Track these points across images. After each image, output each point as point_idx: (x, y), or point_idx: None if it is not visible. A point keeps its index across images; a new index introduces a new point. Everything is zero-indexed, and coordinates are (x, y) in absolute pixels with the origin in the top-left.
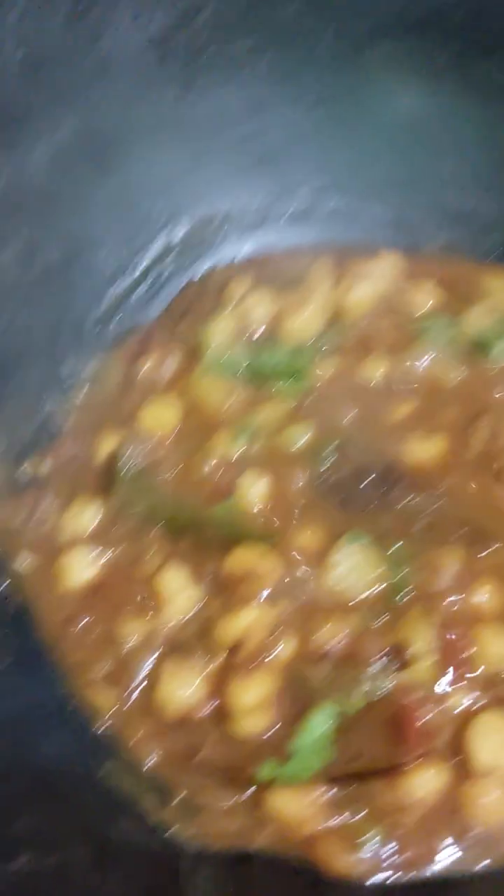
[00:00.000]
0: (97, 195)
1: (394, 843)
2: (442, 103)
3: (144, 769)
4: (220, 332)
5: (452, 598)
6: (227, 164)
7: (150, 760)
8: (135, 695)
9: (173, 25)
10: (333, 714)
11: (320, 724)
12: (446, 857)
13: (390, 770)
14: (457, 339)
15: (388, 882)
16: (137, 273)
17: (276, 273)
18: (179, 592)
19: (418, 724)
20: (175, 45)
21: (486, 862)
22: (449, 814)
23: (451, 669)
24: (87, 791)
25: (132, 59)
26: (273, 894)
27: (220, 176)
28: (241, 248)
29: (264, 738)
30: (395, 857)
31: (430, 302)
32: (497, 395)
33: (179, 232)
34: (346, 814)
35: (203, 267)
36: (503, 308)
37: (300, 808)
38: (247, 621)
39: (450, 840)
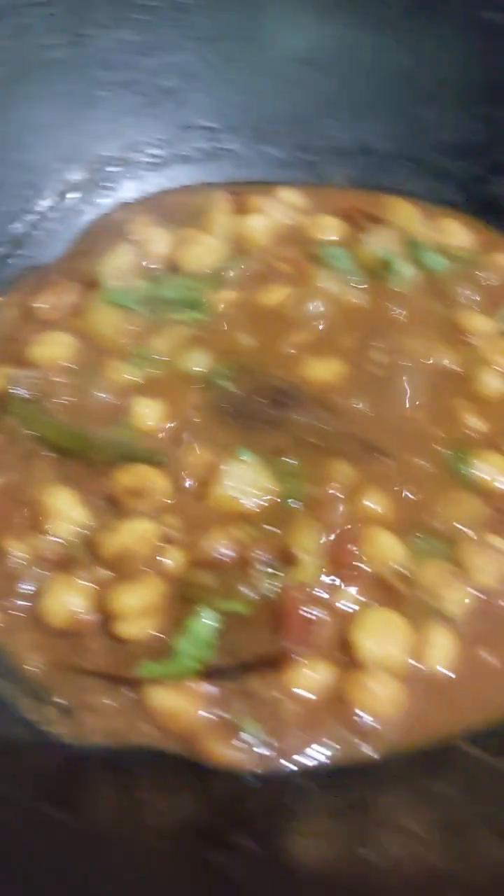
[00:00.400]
0: None
1: (271, 735)
2: (334, 39)
3: (26, 674)
4: (117, 267)
5: (340, 507)
6: (122, 106)
7: (34, 666)
8: (22, 607)
9: None
10: (217, 616)
11: (203, 625)
12: (328, 747)
13: (271, 663)
14: (357, 265)
15: (267, 770)
16: (36, 214)
17: (175, 210)
18: (66, 511)
19: (299, 615)
20: None
21: (369, 750)
22: (333, 706)
23: (336, 570)
24: None
25: (20, 4)
26: (156, 784)
27: (114, 117)
28: (140, 187)
29: (149, 641)
30: (275, 747)
31: (331, 232)
32: (393, 316)
33: (76, 173)
34: (226, 709)
35: (103, 207)
36: (402, 232)
37: (181, 703)
38: (131, 535)
39: (333, 731)
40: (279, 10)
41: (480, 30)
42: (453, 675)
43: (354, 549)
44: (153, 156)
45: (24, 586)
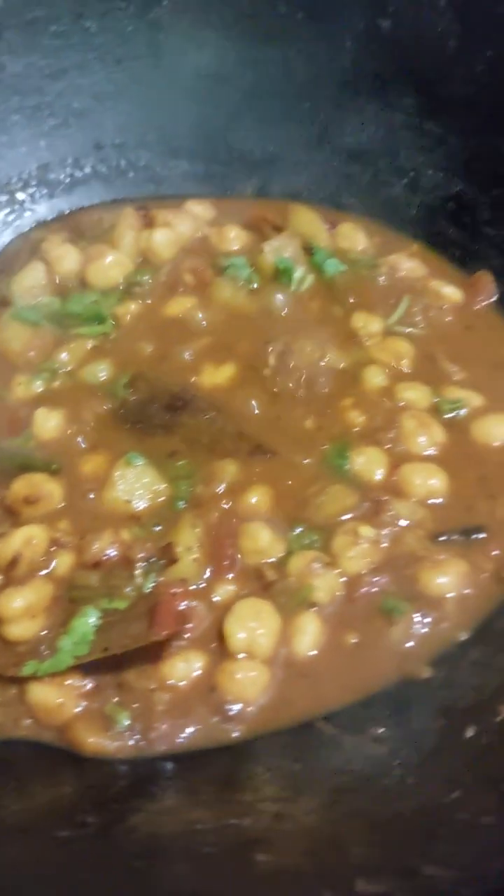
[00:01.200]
0: None
1: (143, 724)
2: (237, 54)
3: None
4: (27, 284)
5: (224, 504)
6: (35, 129)
7: None
8: None
9: None
10: (98, 614)
11: (83, 623)
12: (197, 732)
13: (147, 656)
14: (258, 273)
15: (136, 757)
16: None
17: (87, 227)
18: None
19: (172, 606)
20: None
21: (236, 733)
22: (203, 694)
23: (214, 564)
24: None
25: None
26: (35, 773)
27: (28, 140)
28: (55, 206)
29: (35, 641)
30: (145, 735)
31: (236, 242)
32: (290, 321)
33: None
34: (100, 701)
35: (20, 227)
36: (303, 238)
37: (56, 697)
38: (20, 540)
39: (202, 717)
40: (182, 28)
41: (376, 36)
42: (318, 660)
43: (231, 543)
44: (67, 175)
45: None
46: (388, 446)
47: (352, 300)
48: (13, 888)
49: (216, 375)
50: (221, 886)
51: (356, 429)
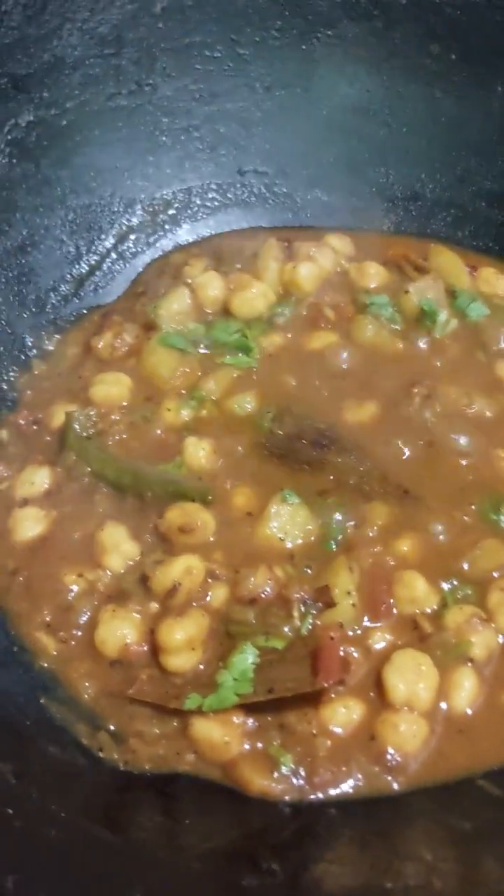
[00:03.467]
0: (55, 182)
1: (305, 768)
2: (386, 90)
3: (81, 702)
4: (173, 309)
5: (376, 549)
6: (181, 152)
7: (88, 694)
8: (77, 637)
9: (128, 20)
10: (256, 652)
11: (243, 660)
12: (356, 779)
13: (307, 699)
14: (399, 313)
15: (300, 801)
16: (98, 255)
17: (228, 254)
18: (119, 546)
19: (335, 653)
20: (129, 39)
21: (397, 785)
22: (363, 742)
23: (370, 611)
24: (27, 717)
25: (88, 53)
26: (197, 810)
27: (174, 163)
28: (196, 230)
29: (193, 673)
30: (308, 779)
31: (377, 280)
32: (433, 364)
33: (137, 217)
34: (264, 741)
35: (160, 249)
36: (446, 281)
37: (222, 734)
38: (180, 570)
39: (362, 764)
40: (332, 61)
41: None
42: (475, 717)
43: (387, 591)
44: (209, 199)
45: (78, 618)
46: None
47: (495, 348)
48: None
49: (360, 414)
50: None
51: None
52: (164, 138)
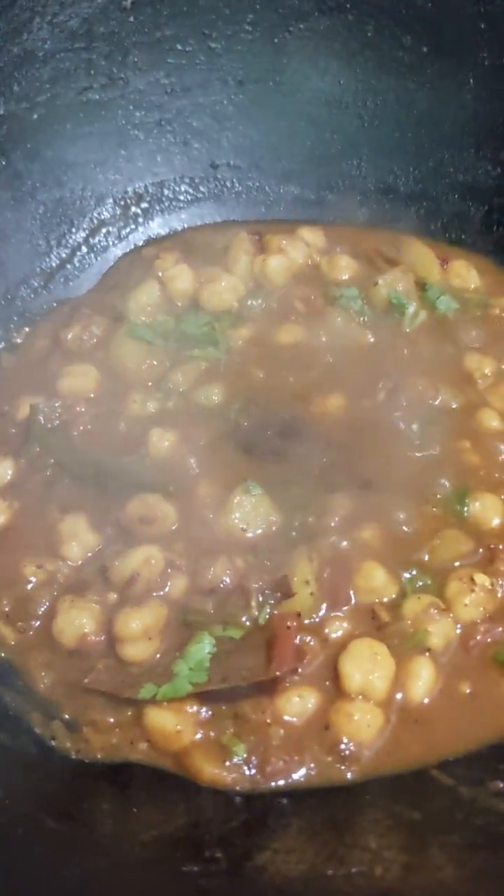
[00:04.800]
0: (26, 176)
1: (258, 757)
2: (358, 83)
3: (38, 691)
4: (143, 302)
5: (336, 538)
6: (153, 146)
7: (44, 684)
8: (35, 627)
9: (98, 14)
10: (213, 641)
11: (200, 649)
12: (309, 769)
13: (262, 688)
14: (369, 306)
15: (252, 790)
16: (68, 248)
17: (200, 247)
18: (79, 536)
19: (290, 642)
20: (100, 33)
21: (350, 774)
22: (317, 731)
23: (329, 601)
24: None
25: (58, 47)
26: (149, 800)
27: (146, 156)
28: (168, 223)
29: (150, 663)
30: (260, 769)
31: (347, 272)
32: (402, 357)
33: (109, 210)
34: (217, 730)
35: (132, 242)
36: (416, 275)
37: (175, 723)
38: (139, 560)
39: (315, 754)
40: (305, 54)
41: (500, 75)
42: (432, 706)
43: (346, 580)
44: (182, 193)
45: (37, 608)
46: None
47: (464, 340)
48: None
49: (327, 406)
50: None
51: (481, 472)
52: (136, 132)
